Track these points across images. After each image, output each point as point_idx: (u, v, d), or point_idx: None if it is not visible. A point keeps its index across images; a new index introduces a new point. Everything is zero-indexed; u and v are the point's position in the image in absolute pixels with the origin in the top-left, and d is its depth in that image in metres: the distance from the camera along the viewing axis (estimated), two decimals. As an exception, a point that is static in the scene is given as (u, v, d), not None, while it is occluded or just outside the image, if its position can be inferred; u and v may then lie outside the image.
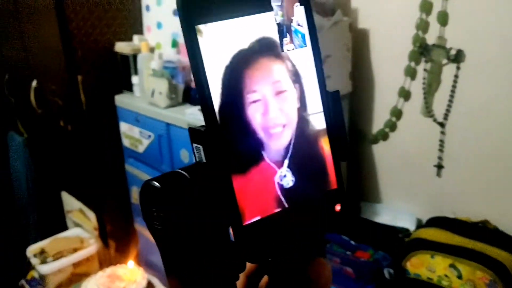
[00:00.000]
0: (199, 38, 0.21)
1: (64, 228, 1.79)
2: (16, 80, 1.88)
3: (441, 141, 1.20)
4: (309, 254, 0.24)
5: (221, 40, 0.21)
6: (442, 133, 1.19)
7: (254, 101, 0.22)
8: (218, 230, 0.22)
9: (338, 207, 0.25)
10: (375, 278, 1.03)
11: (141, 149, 1.46)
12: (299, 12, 0.23)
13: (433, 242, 1.05)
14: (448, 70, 1.15)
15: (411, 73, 1.22)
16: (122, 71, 1.55)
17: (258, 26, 0.22)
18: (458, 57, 1.12)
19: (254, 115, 0.22)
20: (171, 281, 0.23)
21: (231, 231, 0.22)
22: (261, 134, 0.22)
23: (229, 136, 0.21)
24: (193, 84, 1.37)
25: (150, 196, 0.21)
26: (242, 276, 0.25)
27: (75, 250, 1.58)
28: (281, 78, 0.23)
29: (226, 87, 0.21)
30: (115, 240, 1.66)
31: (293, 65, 0.23)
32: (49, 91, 1.70)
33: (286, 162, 0.23)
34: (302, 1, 0.23)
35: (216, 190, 0.21)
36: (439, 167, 1.22)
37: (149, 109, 1.36)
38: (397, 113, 1.28)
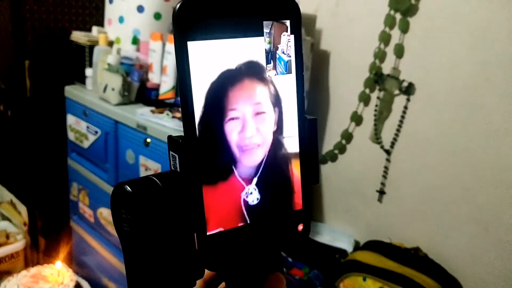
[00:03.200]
0: (189, 53, 0.21)
1: (-9, 220, 1.69)
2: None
3: (386, 167, 1.27)
4: (267, 268, 0.26)
5: (210, 58, 0.22)
6: (388, 160, 1.26)
7: (233, 118, 0.23)
8: (182, 237, 0.23)
9: (300, 227, 0.26)
10: (307, 297, 1.06)
11: (86, 144, 1.42)
12: (285, 41, 0.25)
13: (366, 265, 1.10)
14: (399, 101, 1.22)
15: (364, 99, 1.29)
16: (75, 62, 1.51)
17: (247, 49, 0.23)
18: (409, 90, 1.20)
19: (231, 131, 0.23)
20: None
21: (195, 239, 0.23)
22: (235, 150, 0.23)
23: (205, 148, 0.22)
24: (149, 84, 1.36)
25: (120, 198, 0.22)
26: (200, 282, 0.27)
27: (-1, 245, 1.50)
28: (262, 100, 0.24)
29: (208, 102, 0.22)
30: (46, 237, 1.59)
31: (276, 89, 0.25)
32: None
33: (255, 180, 0.24)
34: (293, 30, 0.25)
35: (186, 199, 0.22)
36: (381, 192, 1.28)
37: (99, 104, 1.34)
38: (347, 136, 1.34)
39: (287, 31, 0.25)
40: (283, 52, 0.25)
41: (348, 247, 1.29)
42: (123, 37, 1.47)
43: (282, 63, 0.25)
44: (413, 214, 1.23)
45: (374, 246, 1.19)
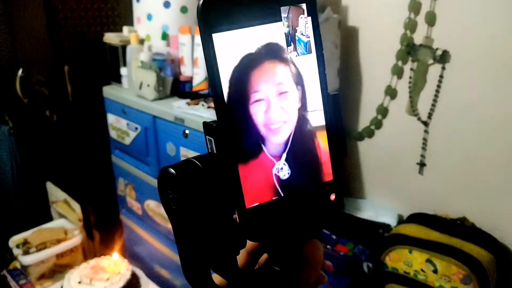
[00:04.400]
0: (215, 44, 0.24)
1: (49, 219, 1.82)
2: (2, 69, 1.90)
3: (425, 139, 1.26)
4: (305, 236, 0.28)
5: (233, 46, 0.25)
6: (426, 131, 1.25)
7: (258, 100, 0.25)
8: (224, 212, 0.26)
9: (333, 196, 0.28)
10: (353, 272, 1.09)
11: (127, 141, 1.49)
12: (303, 23, 0.27)
13: (411, 238, 1.10)
14: (434, 70, 1.20)
15: (398, 72, 1.27)
16: (110, 62, 1.58)
17: (268, 34, 0.26)
18: (443, 58, 1.17)
19: (257, 112, 0.25)
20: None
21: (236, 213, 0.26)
22: (262, 130, 0.25)
23: (235, 130, 0.25)
24: (182, 77, 1.41)
25: (166, 180, 0.25)
26: (244, 252, 0.30)
27: (58, 241, 1.62)
28: (284, 80, 0.26)
29: (233, 86, 0.24)
30: (100, 231, 1.70)
31: (296, 68, 0.26)
32: (35, 81, 1.73)
33: (284, 156, 0.26)
34: (309, 12, 0.26)
35: (224, 177, 0.25)
36: (422, 165, 1.28)
37: (137, 101, 1.40)
38: (383, 111, 1.33)
39: (304, 14, 0.26)
40: (302, 34, 0.27)
41: (392, 222, 1.30)
42: (153, 34, 1.52)
43: (302, 44, 0.27)
44: (456, 185, 1.22)
45: (418, 218, 1.19)
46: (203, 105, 1.23)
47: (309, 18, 0.27)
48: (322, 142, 0.28)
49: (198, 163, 0.25)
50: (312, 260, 0.28)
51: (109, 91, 1.55)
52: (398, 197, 1.36)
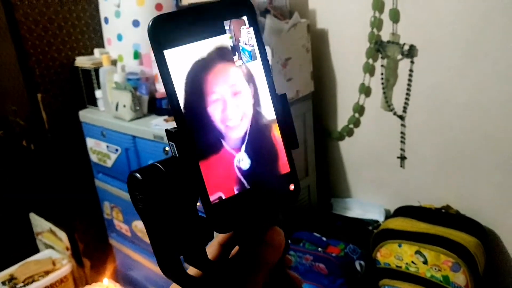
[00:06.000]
0: (167, 59, 0.26)
1: (35, 251, 1.80)
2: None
3: (402, 133, 1.29)
4: (267, 224, 0.31)
5: (185, 58, 0.28)
6: (403, 125, 1.29)
7: (214, 101, 0.28)
8: (189, 207, 0.29)
9: (292, 187, 0.31)
10: (346, 272, 1.11)
11: (109, 163, 1.50)
12: (245, 33, 0.30)
13: (399, 231, 1.13)
14: (404, 65, 1.24)
15: (369, 70, 1.31)
16: (84, 86, 1.59)
17: (215, 46, 0.29)
18: (411, 52, 1.22)
19: (214, 112, 0.28)
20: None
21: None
22: (220, 127, 0.28)
23: (194, 130, 0.27)
24: (157, 94, 1.42)
25: (134, 184, 0.28)
26: (216, 244, 0.33)
27: (46, 272, 1.60)
28: (236, 80, 0.29)
29: (189, 90, 0.27)
30: (90, 258, 1.69)
31: (247, 69, 0.29)
32: (10, 112, 1.72)
33: (243, 147, 0.29)
34: (250, 23, 0.30)
35: (186, 177, 0.28)
36: (402, 158, 1.31)
37: (115, 123, 1.41)
38: (359, 109, 1.37)
39: (245, 25, 0.29)
40: (245, 43, 0.30)
41: (380, 217, 1.33)
42: (124, 53, 1.54)
43: (246, 53, 0.30)
44: (437, 174, 1.25)
45: (404, 211, 1.22)
46: (181, 120, 1.25)
47: (251, 28, 0.30)
48: (277, 134, 0.31)
49: (161, 166, 0.28)
50: (274, 244, 0.30)
51: (86, 115, 1.55)
52: (383, 193, 1.40)
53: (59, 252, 1.70)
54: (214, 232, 0.30)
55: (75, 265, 1.65)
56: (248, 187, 0.29)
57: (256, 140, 0.30)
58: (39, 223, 1.80)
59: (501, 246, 1.18)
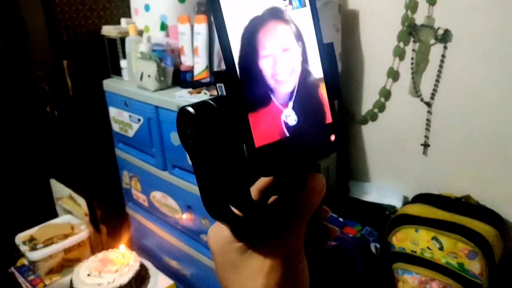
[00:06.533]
0: (221, 5, 0.28)
1: (55, 215, 1.86)
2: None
3: (428, 120, 1.28)
4: (308, 171, 0.32)
5: (239, 7, 0.29)
6: (429, 112, 1.28)
7: (266, 56, 0.29)
8: (237, 148, 0.30)
9: (333, 137, 0.32)
10: (361, 253, 1.12)
11: (131, 133, 1.52)
12: None
13: (417, 217, 1.14)
14: (436, 50, 1.22)
15: (399, 54, 1.30)
16: (109, 55, 1.61)
17: (268, 3, 0.30)
18: (445, 37, 1.20)
19: (265, 66, 0.29)
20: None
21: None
22: (270, 81, 0.29)
23: (246, 82, 0.29)
24: (182, 67, 1.43)
25: (185, 119, 0.29)
26: (256, 190, 0.34)
27: (65, 236, 1.65)
28: (286, 37, 0.30)
29: (244, 43, 0.28)
30: (107, 225, 1.74)
31: (296, 27, 0.31)
32: (36, 77, 1.75)
33: (291, 104, 0.30)
34: None
35: (237, 120, 0.29)
36: (426, 145, 1.30)
37: (138, 93, 1.42)
38: (385, 94, 1.36)
39: None
40: None
41: (397, 203, 1.33)
42: (151, 24, 1.54)
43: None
44: (460, 164, 1.25)
45: (423, 198, 1.22)
46: (205, 93, 1.26)
47: None
48: (323, 90, 0.32)
49: (214, 104, 0.29)
50: (314, 189, 0.32)
51: (110, 84, 1.57)
52: (403, 179, 1.40)
53: (77, 217, 1.74)
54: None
55: (93, 231, 1.70)
56: (290, 135, 0.30)
57: (304, 96, 0.31)
58: (59, 189, 1.85)
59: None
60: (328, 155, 0.33)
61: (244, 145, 0.29)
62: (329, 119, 0.32)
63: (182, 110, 0.29)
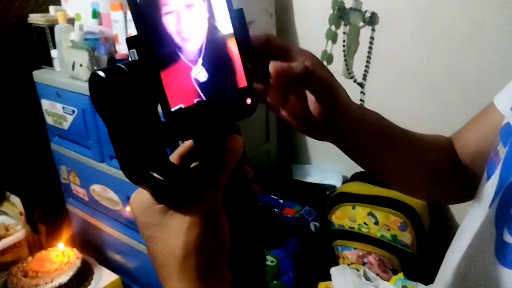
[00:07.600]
0: None
1: (-13, 217, 1.76)
2: None
3: (362, 100, 1.34)
4: (226, 132, 0.33)
5: None
6: (362, 93, 1.33)
7: (168, 13, 0.29)
8: (150, 111, 0.30)
9: (248, 101, 0.33)
10: (300, 231, 1.16)
11: (65, 126, 1.47)
12: None
13: (353, 195, 1.19)
14: (365, 32, 1.27)
15: (332, 37, 1.34)
16: (38, 45, 1.53)
17: None
18: (372, 19, 1.25)
19: (169, 23, 0.29)
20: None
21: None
22: (176, 38, 0.29)
23: (153, 39, 0.29)
24: (117, 56, 1.39)
25: (96, 82, 0.29)
26: (176, 156, 0.35)
27: (-1, 238, 1.57)
28: None
29: (147, 1, 0.28)
30: (46, 224, 1.67)
31: None
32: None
33: (200, 60, 0.30)
34: None
35: (148, 81, 0.29)
36: (361, 125, 1.36)
37: (71, 83, 1.38)
38: (321, 77, 1.40)
39: None
40: None
41: (337, 183, 1.38)
42: (82, 12, 1.49)
43: None
44: (393, 141, 1.31)
45: (360, 176, 1.28)
46: (140, 81, 1.24)
47: None
48: (234, 48, 0.32)
49: (125, 68, 0.29)
50: (233, 148, 0.33)
51: (41, 75, 1.50)
52: (342, 160, 1.43)
53: (12, 217, 1.66)
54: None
55: (30, 231, 1.63)
56: (205, 98, 0.31)
57: (213, 54, 0.31)
58: (-8, 189, 1.75)
59: (446, 207, 1.25)
60: (245, 118, 0.33)
61: (160, 104, 0.29)
62: (243, 82, 0.33)
63: (93, 75, 0.29)
